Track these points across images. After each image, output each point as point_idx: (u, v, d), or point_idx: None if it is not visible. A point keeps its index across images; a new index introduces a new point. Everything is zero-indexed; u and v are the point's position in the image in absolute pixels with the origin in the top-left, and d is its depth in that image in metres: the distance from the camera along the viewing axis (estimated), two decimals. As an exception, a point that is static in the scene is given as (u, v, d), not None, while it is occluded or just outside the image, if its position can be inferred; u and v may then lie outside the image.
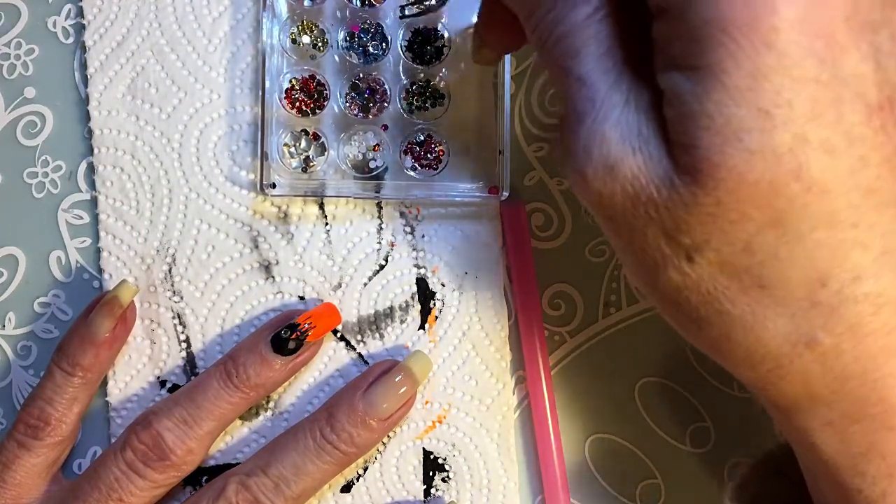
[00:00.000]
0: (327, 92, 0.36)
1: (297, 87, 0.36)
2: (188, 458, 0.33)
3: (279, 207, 0.37)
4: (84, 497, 0.32)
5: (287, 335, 0.34)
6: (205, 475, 0.36)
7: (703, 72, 0.19)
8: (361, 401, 0.33)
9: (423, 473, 0.37)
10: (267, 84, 0.36)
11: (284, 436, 0.34)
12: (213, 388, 0.33)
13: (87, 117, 0.37)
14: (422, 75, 0.36)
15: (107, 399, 0.37)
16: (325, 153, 0.36)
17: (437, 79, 0.36)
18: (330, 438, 0.33)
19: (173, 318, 0.37)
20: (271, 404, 0.37)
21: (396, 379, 0.34)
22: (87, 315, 0.35)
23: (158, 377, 0.37)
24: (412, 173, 0.36)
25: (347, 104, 0.36)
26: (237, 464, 0.36)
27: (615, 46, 0.22)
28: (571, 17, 0.22)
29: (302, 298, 0.37)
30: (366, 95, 0.36)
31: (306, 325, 0.34)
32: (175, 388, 0.37)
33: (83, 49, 0.38)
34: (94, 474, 0.33)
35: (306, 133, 0.36)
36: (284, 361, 0.34)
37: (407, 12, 0.35)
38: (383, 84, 0.36)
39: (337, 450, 0.33)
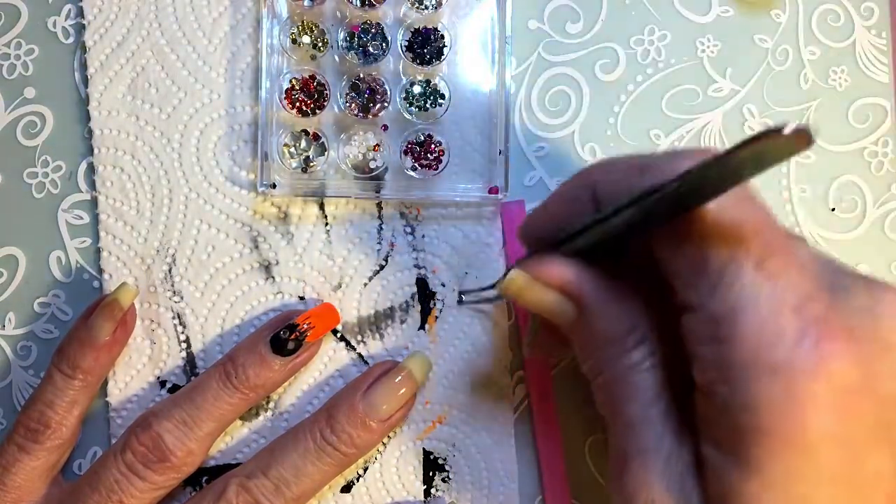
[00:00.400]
0: (327, 92, 0.36)
1: (298, 88, 0.36)
2: (188, 459, 0.33)
3: (279, 207, 0.37)
4: (84, 499, 0.32)
5: (286, 336, 0.34)
6: (205, 475, 0.36)
7: (743, 462, 0.22)
8: (361, 402, 0.33)
9: (424, 474, 0.37)
10: (267, 84, 0.36)
11: (284, 437, 0.34)
12: (213, 389, 0.33)
13: (87, 117, 0.37)
14: (422, 75, 0.36)
15: (107, 399, 0.37)
16: (325, 153, 0.36)
17: (437, 79, 0.36)
18: (330, 440, 0.33)
19: (173, 318, 0.37)
20: (271, 405, 0.37)
21: (396, 380, 0.34)
22: (86, 318, 0.35)
23: (158, 377, 0.37)
24: (412, 173, 0.36)
25: (347, 104, 0.36)
26: (237, 464, 0.36)
27: (661, 396, 0.24)
28: (623, 363, 0.25)
29: (302, 298, 0.37)
30: (366, 95, 0.36)
31: (305, 326, 0.34)
32: (175, 388, 0.37)
33: (83, 49, 0.38)
34: (94, 476, 0.33)
35: (306, 133, 0.36)
36: (284, 362, 0.34)
37: (465, 298, 0.37)
38: (383, 84, 0.36)
39: (337, 451, 0.33)
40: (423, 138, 0.36)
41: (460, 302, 0.37)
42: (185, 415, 0.33)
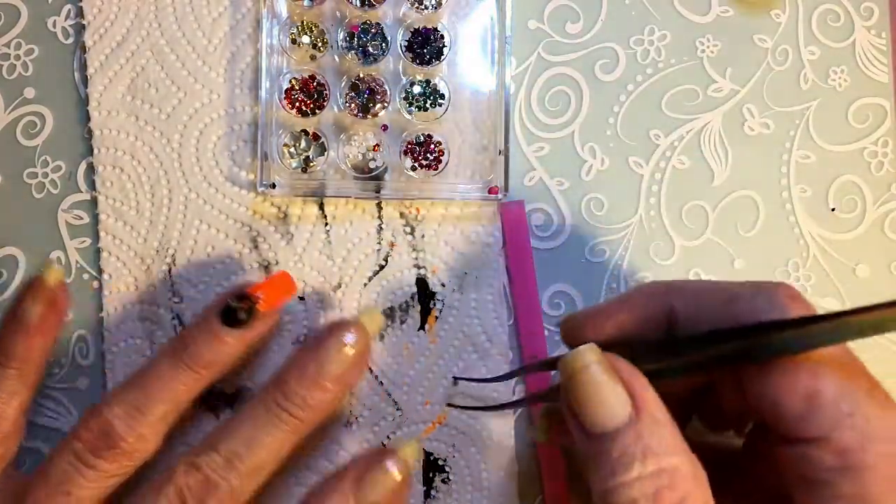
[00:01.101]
0: (327, 92, 0.36)
1: (297, 88, 0.36)
2: (140, 445, 0.31)
3: (279, 208, 0.37)
4: (34, 492, 0.31)
5: (236, 305, 0.32)
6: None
7: None
8: (311, 362, 0.31)
9: (424, 475, 0.37)
10: (266, 84, 0.36)
11: (236, 412, 0.32)
12: (163, 370, 0.32)
13: (87, 118, 0.37)
14: (421, 75, 0.36)
15: (106, 399, 0.37)
16: (325, 153, 0.36)
17: (437, 79, 0.36)
18: (283, 405, 0.31)
19: (173, 318, 0.37)
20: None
21: (346, 337, 0.32)
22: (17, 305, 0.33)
23: (158, 377, 0.37)
24: (412, 173, 0.36)
25: (347, 104, 0.36)
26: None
27: None
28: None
29: (302, 299, 0.37)
30: (366, 95, 0.36)
31: (257, 295, 0.32)
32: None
33: (83, 49, 0.38)
34: (45, 468, 0.31)
35: (306, 133, 0.36)
36: (236, 335, 0.32)
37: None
38: (383, 84, 0.36)
39: (291, 415, 0.31)
40: (422, 138, 0.36)
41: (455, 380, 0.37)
42: (136, 399, 0.31)
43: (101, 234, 0.37)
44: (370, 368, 0.37)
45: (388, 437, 0.36)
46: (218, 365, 0.32)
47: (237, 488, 0.30)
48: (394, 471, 0.30)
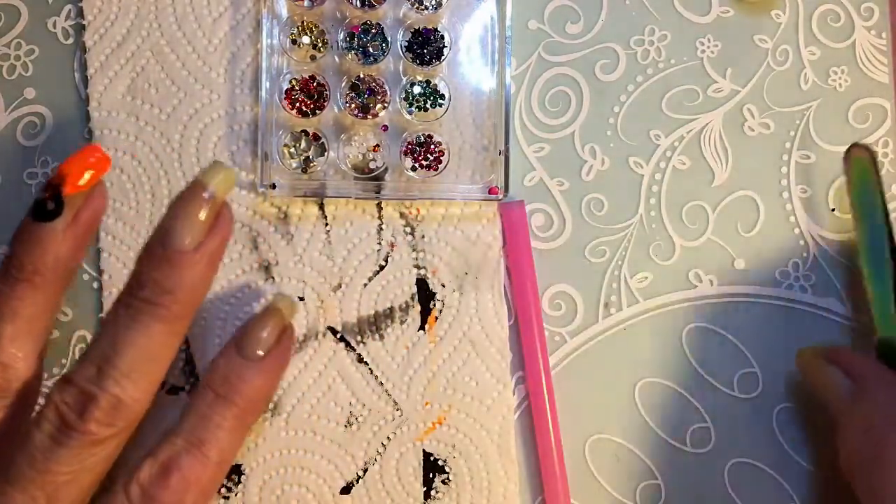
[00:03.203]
0: (327, 92, 0.36)
1: (297, 88, 0.36)
2: (9, 374, 0.29)
3: (279, 208, 0.37)
4: None
5: (41, 196, 0.29)
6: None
7: None
8: (154, 240, 0.28)
9: (423, 475, 0.37)
10: (267, 84, 0.36)
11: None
12: None
13: (87, 118, 0.37)
14: (422, 76, 0.36)
15: (106, 400, 0.37)
16: (325, 154, 0.36)
17: (437, 79, 0.36)
18: (138, 294, 0.28)
19: (173, 318, 0.37)
20: (270, 405, 0.37)
21: (193, 197, 0.28)
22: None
23: (158, 378, 0.37)
24: (412, 174, 0.36)
25: (347, 104, 0.36)
26: (236, 465, 0.35)
27: None
28: None
29: (302, 299, 0.37)
30: (366, 96, 0.36)
31: (61, 176, 0.29)
32: (174, 389, 0.37)
33: (83, 50, 0.38)
34: None
35: (306, 133, 0.36)
36: (55, 230, 0.28)
37: None
38: (383, 84, 0.36)
39: (148, 303, 0.27)
40: (423, 139, 0.36)
41: None
42: None
43: (101, 234, 0.37)
44: (370, 369, 0.37)
45: (388, 437, 0.36)
46: (49, 269, 0.29)
47: (120, 396, 0.27)
48: (269, 325, 0.30)
